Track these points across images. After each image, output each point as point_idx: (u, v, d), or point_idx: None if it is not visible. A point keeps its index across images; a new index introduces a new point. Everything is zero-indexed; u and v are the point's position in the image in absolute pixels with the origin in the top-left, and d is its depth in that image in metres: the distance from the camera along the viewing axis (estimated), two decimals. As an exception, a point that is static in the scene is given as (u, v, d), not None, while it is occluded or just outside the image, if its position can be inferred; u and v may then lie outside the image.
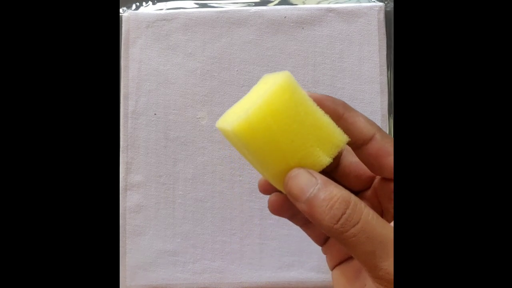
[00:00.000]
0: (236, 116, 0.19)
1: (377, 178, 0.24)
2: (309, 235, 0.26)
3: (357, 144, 0.22)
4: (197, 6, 0.38)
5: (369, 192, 0.24)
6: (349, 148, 0.23)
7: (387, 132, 0.36)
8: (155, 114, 0.37)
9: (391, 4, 0.37)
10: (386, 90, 0.36)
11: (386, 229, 0.19)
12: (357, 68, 0.36)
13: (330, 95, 0.37)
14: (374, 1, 0.37)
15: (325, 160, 0.21)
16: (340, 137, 0.21)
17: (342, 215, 0.19)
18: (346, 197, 0.20)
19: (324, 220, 0.19)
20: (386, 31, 0.36)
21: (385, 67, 0.36)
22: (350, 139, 0.21)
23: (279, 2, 0.38)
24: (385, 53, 0.36)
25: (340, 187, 0.20)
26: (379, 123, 0.35)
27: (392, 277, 0.19)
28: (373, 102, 0.36)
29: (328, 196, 0.19)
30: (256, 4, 0.38)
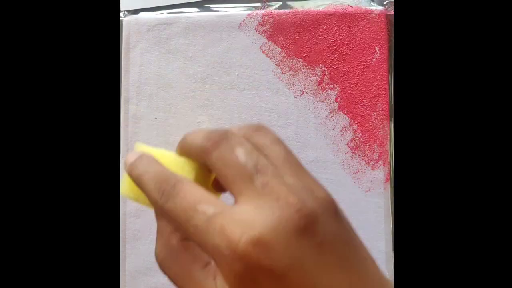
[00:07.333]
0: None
1: None
2: None
3: None
4: (198, 10, 0.38)
5: None
6: None
7: (388, 136, 0.36)
8: (155, 118, 0.37)
9: (392, 8, 0.37)
10: (386, 93, 0.36)
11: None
12: (359, 71, 0.36)
13: (330, 99, 0.36)
14: (374, 5, 0.37)
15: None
16: None
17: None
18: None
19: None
20: (387, 34, 0.36)
21: (386, 71, 0.36)
22: None
23: (279, 6, 0.38)
24: (386, 56, 0.36)
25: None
26: (379, 127, 0.35)
27: None
28: (373, 105, 0.36)
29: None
30: (257, 8, 0.38)
